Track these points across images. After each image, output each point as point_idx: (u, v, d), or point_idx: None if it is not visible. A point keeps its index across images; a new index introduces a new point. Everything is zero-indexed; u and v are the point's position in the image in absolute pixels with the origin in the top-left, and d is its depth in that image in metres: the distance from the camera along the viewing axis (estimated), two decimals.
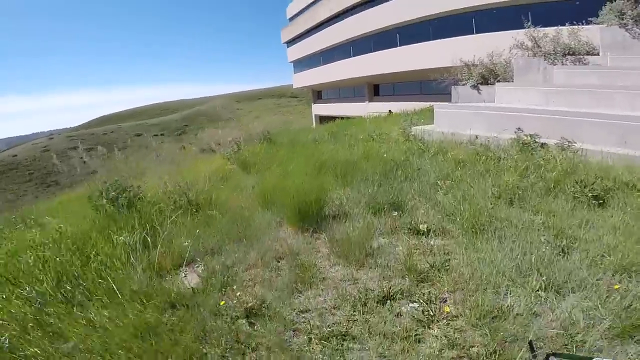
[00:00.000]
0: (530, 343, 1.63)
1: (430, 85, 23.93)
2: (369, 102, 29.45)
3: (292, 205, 3.82)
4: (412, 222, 3.59)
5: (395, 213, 3.87)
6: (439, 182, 4.61)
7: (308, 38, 35.62)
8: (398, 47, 23.96)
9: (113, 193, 4.65)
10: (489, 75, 14.60)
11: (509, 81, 13.91)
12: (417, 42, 22.28)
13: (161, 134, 61.18)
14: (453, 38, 19.75)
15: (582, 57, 11.24)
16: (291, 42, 40.14)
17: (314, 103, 40.43)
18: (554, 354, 1.48)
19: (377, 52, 25.84)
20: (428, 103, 21.33)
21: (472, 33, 19.36)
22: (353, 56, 28.91)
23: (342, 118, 33.71)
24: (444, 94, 21.65)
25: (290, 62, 41.61)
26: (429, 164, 5.34)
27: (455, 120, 6.52)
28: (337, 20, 29.88)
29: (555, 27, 12.13)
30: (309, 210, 3.76)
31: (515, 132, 5.38)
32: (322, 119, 38.48)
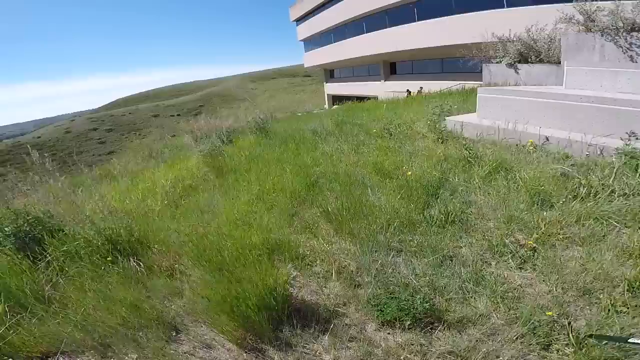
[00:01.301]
0: (569, 323, 1.62)
1: (455, 63, 21.32)
2: (385, 81, 26.92)
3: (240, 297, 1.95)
4: None
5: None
6: (515, 248, 2.43)
7: (318, 15, 32.76)
8: (416, 22, 21.16)
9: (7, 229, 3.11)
10: (528, 53, 12.09)
11: (554, 61, 11.55)
12: (438, 17, 19.54)
13: (177, 115, 60.16)
14: (482, 12, 16.93)
15: None
16: (300, 19, 37.24)
17: (327, 82, 37.87)
18: (592, 335, 1.53)
19: (393, 27, 23.05)
20: (451, 82, 18.92)
21: (503, 7, 16.53)
22: (367, 32, 26.19)
23: (357, 98, 31.48)
24: (470, 73, 19.07)
25: (300, 40, 38.85)
26: (484, 195, 3.23)
27: (509, 110, 4.57)
28: None
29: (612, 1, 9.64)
30: (268, 304, 2.00)
31: (629, 138, 3.32)
32: (335, 99, 36.11)
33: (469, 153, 3.88)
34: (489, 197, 3.13)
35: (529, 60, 11.77)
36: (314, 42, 35.65)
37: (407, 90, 20.27)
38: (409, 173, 3.60)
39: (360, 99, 29.65)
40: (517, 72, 11.98)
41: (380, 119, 7.19)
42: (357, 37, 27.22)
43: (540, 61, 11.50)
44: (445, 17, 18.83)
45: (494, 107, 4.84)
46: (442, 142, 4.71)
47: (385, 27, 23.77)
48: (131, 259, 2.88)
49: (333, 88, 36.18)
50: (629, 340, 1.38)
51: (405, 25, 21.80)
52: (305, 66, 39.84)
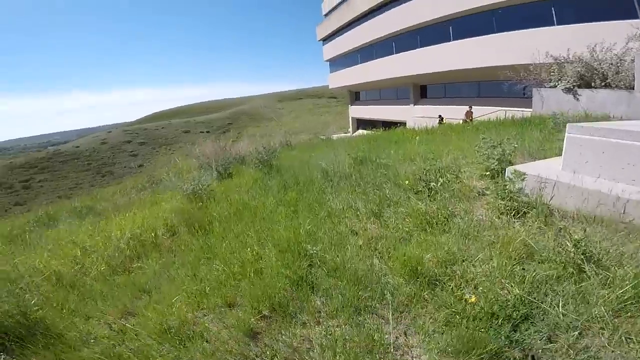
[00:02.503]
0: (532, 357, 1.51)
1: (494, 87, 19.31)
2: (414, 104, 25.13)
3: None
4: None
5: None
6: None
7: (344, 34, 31.72)
8: (451, 42, 19.47)
9: None
10: (590, 76, 10.05)
11: (623, 85, 9.47)
12: (476, 36, 17.75)
13: (206, 132, 61.28)
14: (531, 29, 15.08)
15: None
16: (327, 39, 36.44)
17: (351, 105, 36.47)
18: None
19: (425, 47, 21.46)
20: (489, 108, 16.93)
21: (553, 24, 14.59)
22: (396, 53, 24.70)
23: (383, 123, 29.81)
24: (514, 98, 16.98)
25: (326, 60, 38.00)
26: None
27: (627, 161, 2.84)
28: (377, 14, 25.68)
29: None
30: None
31: None
32: (360, 123, 34.59)
33: (578, 250, 2.13)
34: None
35: (592, 84, 9.76)
36: (339, 62, 34.62)
37: (439, 116, 18.38)
38: (472, 299, 1.92)
39: (387, 124, 28.01)
40: (577, 99, 9.94)
41: (413, 157, 5.51)
42: (385, 58, 25.77)
43: (606, 86, 9.47)
44: (487, 35, 17.00)
45: (596, 156, 3.07)
46: (514, 214, 2.97)
47: (417, 48, 22.21)
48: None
49: (358, 111, 34.75)
50: None
51: (440, 45, 20.13)
52: (329, 87, 38.75)
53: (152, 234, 3.91)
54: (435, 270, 2.31)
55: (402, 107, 26.28)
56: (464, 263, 2.40)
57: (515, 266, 2.26)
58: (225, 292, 2.43)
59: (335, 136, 29.72)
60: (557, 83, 10.40)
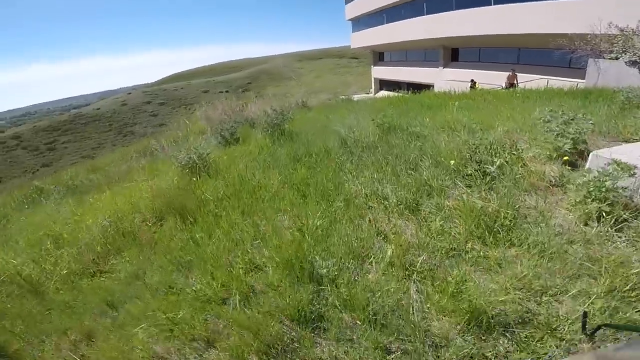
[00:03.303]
0: (584, 314, 1.33)
1: (538, 54, 17.04)
2: (444, 67, 22.96)
3: None
4: None
5: None
6: None
7: None
8: (492, 6, 17.12)
9: None
10: None
11: None
12: (520, 2, 15.42)
13: (226, 91, 60.10)
14: None
15: None
16: None
17: (374, 65, 34.01)
18: (606, 325, 1.34)
19: (460, 10, 19.06)
20: (529, 75, 15.04)
21: None
22: (427, 14, 22.20)
23: (408, 85, 27.69)
24: (560, 67, 15.02)
25: (349, 20, 35.07)
26: None
27: None
28: None
29: None
30: None
31: None
32: (383, 84, 32.43)
33: None
34: None
35: None
36: (363, 22, 31.87)
37: (472, 80, 16.61)
38: None
39: (413, 86, 25.98)
40: None
41: (454, 126, 4.52)
42: (414, 19, 23.32)
43: None
44: (538, 2, 14.72)
45: None
46: (613, 222, 2.08)
47: (452, 9, 19.77)
48: None
49: (381, 72, 32.42)
50: None
51: (479, 8, 17.74)
52: (352, 47, 36.13)
53: (134, 221, 3.29)
54: (507, 313, 1.54)
55: (429, 70, 24.20)
56: (546, 298, 1.61)
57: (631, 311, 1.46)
58: (201, 322, 1.78)
59: (356, 97, 28.13)
60: (620, 55, 9.02)
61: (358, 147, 4.10)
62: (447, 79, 20.78)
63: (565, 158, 2.81)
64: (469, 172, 2.93)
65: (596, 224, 2.09)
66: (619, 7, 11.19)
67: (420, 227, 2.40)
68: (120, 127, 50.94)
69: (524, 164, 2.98)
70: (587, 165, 2.68)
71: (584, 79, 10.34)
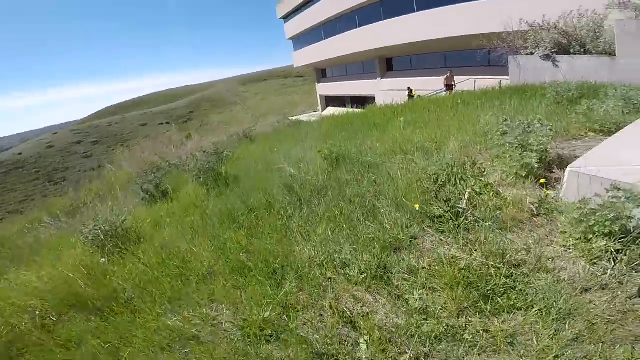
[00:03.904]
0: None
1: (462, 55, 18.24)
2: (381, 78, 23.82)
3: None
4: None
5: None
6: None
7: (306, 10, 29.44)
8: (416, 13, 18.15)
9: None
10: (569, 43, 9.08)
11: (604, 51, 8.88)
12: (439, 6, 16.49)
13: (166, 123, 56.98)
14: None
15: None
16: (288, 16, 33.81)
17: (318, 83, 34.49)
18: None
19: (389, 19, 19.99)
20: (458, 77, 15.95)
21: None
22: (360, 27, 23.04)
23: (351, 99, 28.25)
24: (484, 66, 16.12)
25: (289, 39, 35.51)
26: None
27: None
28: None
29: None
30: None
31: None
32: (329, 100, 32.92)
33: None
34: None
35: (571, 51, 9.02)
36: (303, 39, 32.34)
37: (409, 88, 17.21)
38: None
39: (356, 100, 26.61)
40: (557, 66, 9.20)
41: (405, 148, 4.18)
42: (349, 32, 24.08)
43: (586, 52, 8.80)
44: (452, 5, 15.78)
45: None
46: (628, 262, 1.72)
47: (381, 20, 20.68)
48: None
49: (325, 88, 32.91)
50: None
51: (404, 16, 18.71)
52: (295, 66, 36.43)
53: (22, 320, 2.39)
54: None
55: (369, 82, 24.95)
56: None
57: None
58: None
59: (304, 117, 27.93)
60: (534, 50, 9.69)
61: (306, 190, 3.55)
62: (385, 89, 21.49)
63: (542, 181, 2.51)
64: (438, 213, 2.51)
65: (609, 265, 1.73)
66: (526, 2, 12.23)
67: (395, 303, 1.88)
68: (49, 173, 45.47)
69: (495, 192, 2.64)
70: (564, 185, 2.38)
71: (506, 75, 10.86)
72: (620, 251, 1.71)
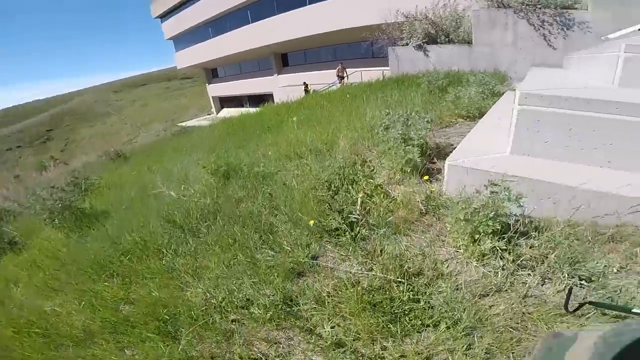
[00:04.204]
0: (569, 290, 1.44)
1: (350, 48, 19.32)
2: (278, 74, 23.67)
3: None
4: None
5: None
6: None
7: (190, 7, 27.24)
8: (308, 6, 18.44)
9: None
10: (436, 33, 9.80)
11: (464, 40, 10.16)
12: None
13: (17, 147, 46.19)
14: None
15: (564, 10, 8.02)
16: (166, 15, 30.82)
17: (210, 84, 32.46)
18: (590, 302, 1.39)
19: (282, 14, 19.86)
20: (350, 70, 16.89)
21: None
22: (252, 22, 22.37)
23: (249, 98, 27.40)
24: (370, 58, 17.32)
25: (168, 39, 32.42)
26: None
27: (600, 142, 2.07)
28: None
29: None
30: None
31: None
32: (224, 101, 31.30)
33: None
34: None
35: (438, 40, 10.04)
36: (186, 39, 29.75)
37: (304, 83, 17.52)
38: None
39: (254, 98, 25.90)
40: (427, 55, 10.13)
41: (299, 151, 3.99)
42: (241, 29, 23.11)
43: (450, 41, 9.90)
44: None
45: (561, 135, 2.17)
46: (515, 259, 1.82)
47: (274, 14, 20.41)
48: None
49: (219, 89, 31.13)
50: (632, 311, 1.19)
51: (297, 10, 18.80)
52: (178, 67, 33.41)
53: None
54: None
55: (266, 79, 24.55)
56: None
57: None
58: None
59: (196, 121, 25.87)
60: (408, 41, 10.34)
61: (192, 217, 3.04)
62: (283, 86, 21.46)
63: (426, 178, 2.57)
64: (333, 224, 2.34)
65: (498, 264, 1.78)
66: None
67: (309, 339, 1.63)
68: None
69: (385, 192, 2.61)
70: (445, 178, 2.45)
71: (388, 66, 11.42)
72: (505, 249, 1.79)
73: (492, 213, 1.75)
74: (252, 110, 10.98)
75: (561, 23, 8.00)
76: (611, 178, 1.96)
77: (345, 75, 15.67)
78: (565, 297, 1.50)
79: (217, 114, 30.08)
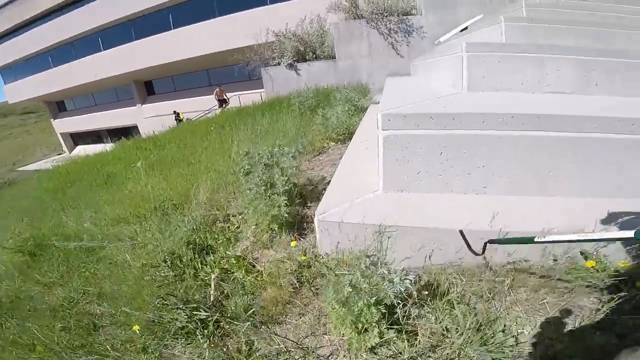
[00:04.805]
0: (461, 232, 1.47)
1: (225, 72, 18.11)
2: (142, 104, 20.82)
3: None
4: None
5: None
6: None
7: (25, 34, 21.99)
8: (173, 30, 16.67)
9: None
10: (305, 50, 9.72)
11: (329, 55, 10.32)
12: (199, 21, 15.81)
13: None
14: (251, 10, 14.59)
15: (404, 17, 8.86)
16: None
17: (55, 118, 26.56)
18: (491, 241, 1.42)
19: (142, 39, 17.47)
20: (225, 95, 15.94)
21: (266, 4, 14.77)
22: (105, 49, 19.14)
23: (109, 132, 23.38)
24: (245, 81, 16.70)
25: None
26: None
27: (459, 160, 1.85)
28: (74, 8, 18.97)
29: None
30: None
31: None
32: (78, 137, 26.10)
33: None
34: None
35: (307, 57, 10.01)
36: (20, 69, 23.77)
37: (174, 112, 15.72)
38: None
39: (115, 132, 22.17)
40: (299, 73, 10.01)
41: (140, 212, 2.98)
42: (91, 57, 19.54)
43: (317, 57, 10.00)
44: (209, 20, 15.37)
45: (429, 166, 1.87)
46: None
47: (132, 40, 17.80)
48: None
49: (69, 124, 25.64)
50: (535, 240, 1.21)
51: (161, 34, 16.78)
52: (10, 101, 26.52)
53: None
54: None
55: (128, 109, 21.38)
56: None
57: None
58: None
59: (43, 163, 20.88)
60: (280, 60, 10.03)
61: None
62: (149, 116, 18.97)
63: (293, 243, 1.97)
64: (180, 322, 1.55)
65: (393, 351, 1.27)
66: (273, 15, 13.07)
67: None
68: None
69: (248, 265, 1.93)
70: (317, 237, 1.90)
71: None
72: (398, 337, 1.31)
73: (373, 298, 1.25)
74: (104, 149, 8.92)
75: (404, 30, 8.61)
76: (487, 208, 1.72)
77: (226, 97, 14.60)
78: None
79: (69, 152, 24.80)
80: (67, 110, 26.32)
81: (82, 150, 21.80)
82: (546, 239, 1.19)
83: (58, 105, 26.59)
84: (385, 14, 8.65)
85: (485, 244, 1.45)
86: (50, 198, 4.27)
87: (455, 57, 2.46)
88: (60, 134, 26.37)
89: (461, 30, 5.69)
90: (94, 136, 24.12)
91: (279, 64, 10.03)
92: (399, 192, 1.94)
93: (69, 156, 21.59)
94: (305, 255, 1.82)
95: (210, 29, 15.47)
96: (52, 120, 26.81)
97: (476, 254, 1.50)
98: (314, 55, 9.84)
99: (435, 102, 1.88)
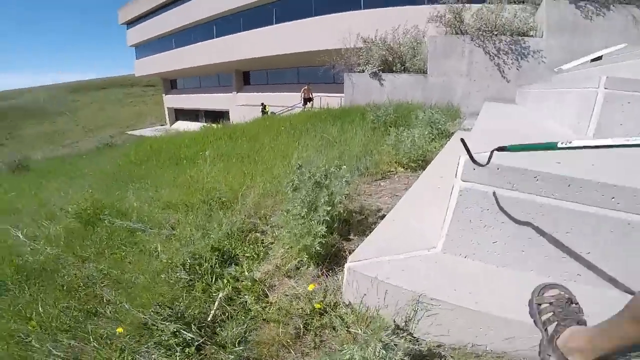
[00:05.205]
0: (462, 140, 1.22)
1: (312, 72, 18.61)
2: (237, 92, 22.66)
3: None
4: None
5: None
6: None
7: (157, 17, 25.98)
8: (274, 25, 17.81)
9: None
10: (393, 60, 9.16)
11: (420, 69, 9.68)
12: (297, 19, 16.58)
13: None
14: (344, 13, 14.78)
15: (519, 38, 7.79)
16: (133, 22, 29.27)
17: (167, 94, 30.71)
18: (501, 148, 1.16)
19: (248, 31, 19.10)
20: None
21: (360, 8, 14.75)
22: (217, 37, 21.42)
23: (205, 113, 26.00)
24: (329, 84, 16.80)
25: (131, 46, 30.67)
26: None
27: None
28: None
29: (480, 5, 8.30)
30: None
31: None
32: (180, 113, 29.68)
33: None
34: None
35: (394, 68, 9.44)
36: (149, 47, 28.23)
37: (262, 104, 16.62)
38: None
39: (211, 114, 24.57)
40: (382, 84, 9.53)
41: (195, 199, 3.01)
42: (205, 42, 22.08)
43: (406, 70, 9.42)
44: (306, 19, 16.00)
45: (511, 237, 1.39)
46: None
47: (239, 31, 19.59)
48: None
49: (175, 101, 29.47)
50: (558, 146, 1.04)
51: (262, 28, 18.13)
52: (136, 75, 31.56)
53: None
54: None
55: (224, 96, 23.49)
56: None
57: None
58: None
59: (149, 131, 24.11)
60: (365, 67, 9.69)
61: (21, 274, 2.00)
62: (241, 104, 20.46)
63: (311, 287, 1.66)
64: (165, 337, 1.41)
65: None
66: (363, 21, 12.95)
67: None
68: None
69: (261, 292, 1.71)
70: (343, 283, 1.58)
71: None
72: None
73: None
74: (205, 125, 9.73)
75: (516, 52, 7.68)
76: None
77: (311, 96, 14.91)
78: None
79: (170, 125, 28.31)
80: (177, 89, 30.12)
81: (181, 124, 24.67)
82: (572, 145, 1.02)
83: (171, 83, 30.61)
84: (495, 33, 7.76)
85: (492, 152, 1.19)
86: (126, 170, 4.70)
87: (586, 92, 1.87)
88: (167, 108, 30.35)
89: (592, 60, 4.69)
90: (193, 115, 27.14)
91: (362, 71, 9.74)
92: (461, 258, 1.49)
93: (168, 128, 24.64)
94: (320, 304, 1.51)
95: (304, 27, 15.95)
96: (163, 95, 30.96)
97: (479, 165, 1.25)
98: (402, 67, 9.31)
99: (544, 154, 1.38)
